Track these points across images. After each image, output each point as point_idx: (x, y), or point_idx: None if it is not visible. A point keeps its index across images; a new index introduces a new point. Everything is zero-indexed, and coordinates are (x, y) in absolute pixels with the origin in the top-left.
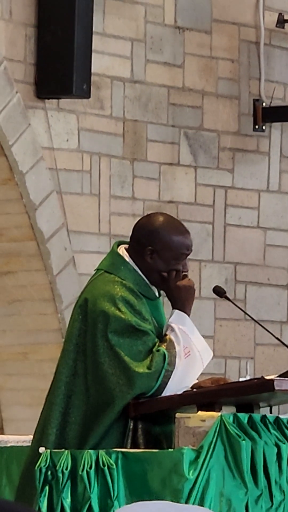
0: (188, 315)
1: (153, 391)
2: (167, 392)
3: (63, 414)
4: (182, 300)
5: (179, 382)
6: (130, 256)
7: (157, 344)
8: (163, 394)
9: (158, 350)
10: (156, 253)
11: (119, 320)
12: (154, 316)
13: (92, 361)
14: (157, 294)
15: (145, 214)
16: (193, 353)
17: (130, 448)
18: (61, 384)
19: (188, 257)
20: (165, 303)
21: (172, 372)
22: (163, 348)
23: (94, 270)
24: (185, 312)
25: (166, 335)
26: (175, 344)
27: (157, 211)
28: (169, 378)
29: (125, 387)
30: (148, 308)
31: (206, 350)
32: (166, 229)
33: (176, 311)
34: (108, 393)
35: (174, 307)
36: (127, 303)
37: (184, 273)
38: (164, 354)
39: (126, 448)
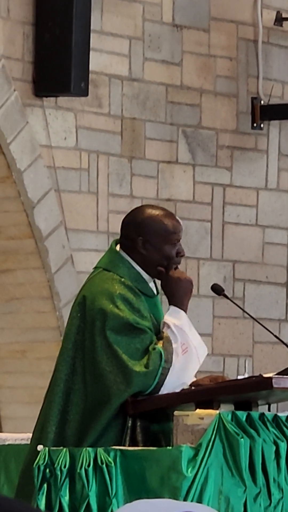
0: (185, 311)
1: (151, 390)
2: (165, 389)
3: (62, 412)
4: (179, 294)
5: (177, 379)
6: (125, 253)
7: (154, 342)
8: (162, 391)
9: (154, 349)
10: (148, 242)
11: (117, 318)
12: (153, 313)
13: (90, 358)
14: (155, 291)
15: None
16: (190, 349)
17: (129, 446)
18: (59, 382)
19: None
20: (163, 301)
21: (169, 369)
22: (159, 346)
23: (93, 268)
24: (181, 307)
25: (163, 332)
26: (172, 341)
27: None
28: (166, 376)
29: (122, 385)
30: (146, 305)
31: (201, 346)
32: (151, 216)
33: (172, 307)
34: (105, 391)
35: (171, 302)
36: (125, 300)
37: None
38: (161, 353)
39: (124, 446)
